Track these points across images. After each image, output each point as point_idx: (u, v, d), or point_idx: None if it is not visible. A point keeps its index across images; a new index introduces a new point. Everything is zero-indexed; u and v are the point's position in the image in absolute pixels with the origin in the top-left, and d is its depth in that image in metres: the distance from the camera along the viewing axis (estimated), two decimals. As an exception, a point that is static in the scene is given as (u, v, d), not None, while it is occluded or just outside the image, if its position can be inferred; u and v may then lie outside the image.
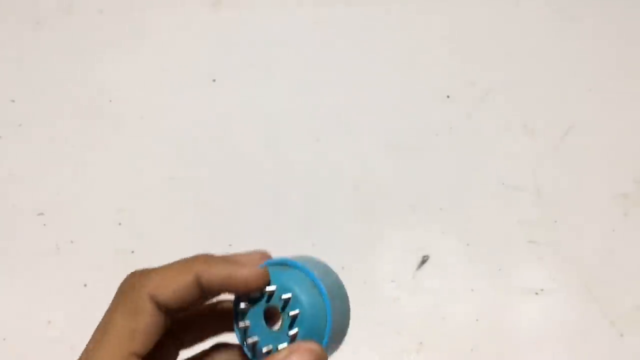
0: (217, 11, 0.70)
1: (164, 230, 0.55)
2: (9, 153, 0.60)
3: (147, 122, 0.62)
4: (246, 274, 0.29)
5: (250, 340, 0.29)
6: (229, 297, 0.31)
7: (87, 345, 0.28)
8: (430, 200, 0.55)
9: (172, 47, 0.68)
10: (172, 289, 0.28)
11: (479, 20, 0.70)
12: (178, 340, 0.32)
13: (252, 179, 0.57)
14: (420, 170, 0.57)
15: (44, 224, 0.55)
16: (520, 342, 0.47)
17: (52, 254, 0.53)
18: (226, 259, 0.30)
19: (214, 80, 0.65)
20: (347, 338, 0.48)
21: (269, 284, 0.30)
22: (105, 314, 0.29)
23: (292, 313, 0.29)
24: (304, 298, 0.29)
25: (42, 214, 0.55)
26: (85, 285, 0.53)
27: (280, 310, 0.30)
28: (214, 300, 0.31)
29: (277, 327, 0.30)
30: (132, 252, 0.54)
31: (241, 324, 0.30)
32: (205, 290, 0.29)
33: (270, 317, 0.30)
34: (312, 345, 0.28)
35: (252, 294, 0.30)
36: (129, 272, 0.30)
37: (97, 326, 0.29)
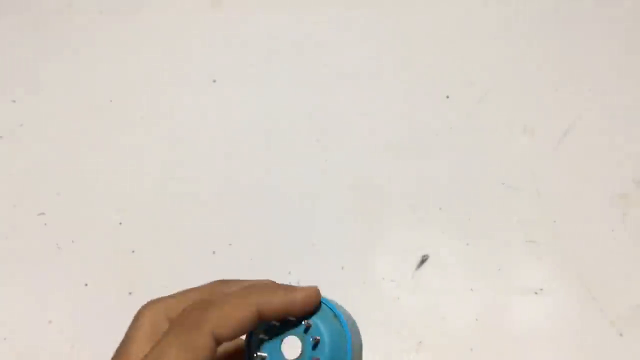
0: (217, 11, 0.70)
1: (164, 230, 0.55)
2: (9, 153, 0.60)
3: (147, 122, 0.62)
4: (304, 296, 0.29)
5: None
6: None
7: None
8: (430, 200, 0.55)
9: (172, 47, 0.68)
10: (234, 326, 0.27)
11: (479, 20, 0.70)
12: None
13: (252, 179, 0.57)
14: (420, 170, 0.57)
15: (44, 224, 0.55)
16: (519, 342, 0.47)
17: (52, 254, 0.53)
18: (283, 287, 0.30)
19: (214, 81, 0.65)
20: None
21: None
22: (157, 347, 0.28)
23: (315, 338, 0.29)
24: (325, 328, 0.30)
25: (42, 214, 0.56)
26: (85, 285, 0.53)
27: (301, 339, 0.30)
28: None
29: (295, 356, 0.30)
30: (133, 252, 0.54)
31: (258, 354, 0.29)
32: (263, 318, 0.28)
33: (287, 348, 0.30)
34: None
35: (269, 325, 0.30)
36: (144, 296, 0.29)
37: (131, 349, 0.28)
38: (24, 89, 0.65)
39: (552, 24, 0.69)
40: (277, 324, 0.30)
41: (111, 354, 0.27)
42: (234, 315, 0.27)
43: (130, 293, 0.52)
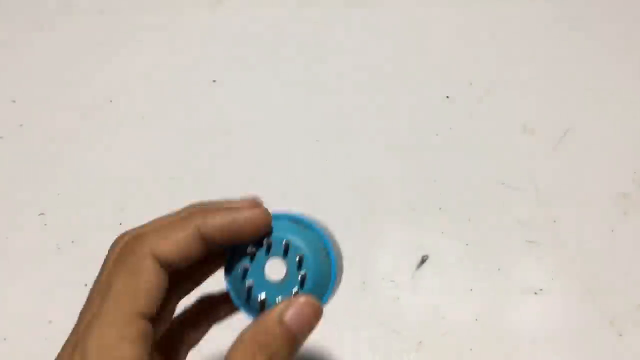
0: (217, 11, 0.71)
1: (164, 230, 0.55)
2: (9, 153, 0.60)
3: (147, 122, 0.62)
4: (249, 216, 0.28)
5: (247, 283, 0.29)
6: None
7: (82, 311, 0.27)
8: (429, 200, 0.55)
9: (172, 48, 0.68)
10: (173, 247, 0.27)
11: (478, 20, 0.70)
12: (175, 294, 0.31)
13: (252, 179, 0.57)
14: (420, 170, 0.57)
15: (44, 224, 0.55)
16: (519, 342, 0.47)
17: (52, 254, 0.53)
18: (223, 205, 0.29)
19: (214, 81, 0.65)
20: (346, 338, 0.48)
21: (270, 230, 0.29)
22: (100, 278, 0.27)
23: (297, 261, 0.28)
24: (310, 252, 0.29)
25: (42, 214, 0.56)
26: (85, 285, 0.52)
27: (283, 260, 0.29)
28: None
29: (278, 279, 0.29)
30: (132, 252, 0.54)
31: (238, 268, 0.29)
32: (208, 242, 0.28)
33: (271, 271, 0.29)
34: (312, 300, 0.28)
35: (251, 245, 0.29)
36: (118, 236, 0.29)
37: (92, 290, 0.27)
38: (24, 89, 0.65)
39: (551, 24, 0.69)
40: (254, 250, 0.29)
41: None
42: (172, 236, 0.27)
43: (130, 293, 0.52)
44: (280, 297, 0.28)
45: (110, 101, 0.63)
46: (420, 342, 0.48)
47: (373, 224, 0.54)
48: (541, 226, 0.53)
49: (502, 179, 0.57)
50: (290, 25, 0.69)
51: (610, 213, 0.54)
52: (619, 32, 0.68)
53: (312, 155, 0.59)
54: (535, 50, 0.67)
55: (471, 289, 0.50)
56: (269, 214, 0.29)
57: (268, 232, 0.29)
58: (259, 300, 0.28)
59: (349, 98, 0.63)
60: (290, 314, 0.27)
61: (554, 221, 0.54)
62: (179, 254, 0.27)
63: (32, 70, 0.66)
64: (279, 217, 0.30)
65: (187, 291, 0.32)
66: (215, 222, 0.28)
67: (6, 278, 0.52)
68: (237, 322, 0.29)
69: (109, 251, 0.28)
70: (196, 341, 0.34)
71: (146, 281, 0.26)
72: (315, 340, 0.48)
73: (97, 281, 0.27)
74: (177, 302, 0.32)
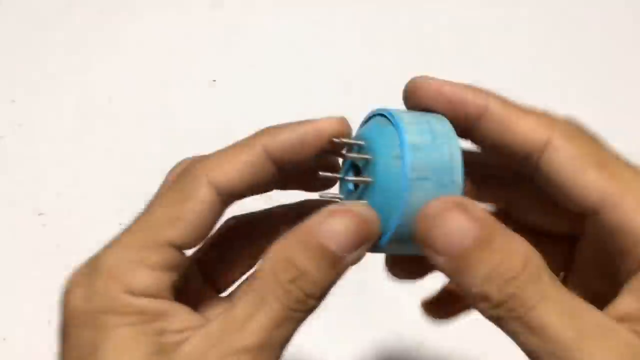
0: (217, 11, 0.71)
1: (164, 230, 0.55)
2: (9, 153, 0.60)
3: (146, 122, 0.62)
4: (323, 126, 0.24)
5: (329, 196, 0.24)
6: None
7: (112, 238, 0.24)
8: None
9: (172, 47, 0.68)
10: (236, 172, 0.23)
11: (478, 20, 0.70)
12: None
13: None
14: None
15: (44, 224, 0.55)
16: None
17: (52, 254, 0.53)
18: (294, 123, 0.25)
19: (214, 81, 0.65)
20: (345, 339, 0.48)
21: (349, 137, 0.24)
22: (150, 201, 0.25)
23: (361, 165, 0.24)
24: (381, 155, 0.23)
25: (42, 214, 0.55)
26: (85, 285, 0.53)
27: (355, 163, 0.24)
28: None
29: (351, 182, 0.24)
30: (132, 252, 0.54)
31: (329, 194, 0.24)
32: (277, 161, 0.24)
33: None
34: (360, 211, 0.22)
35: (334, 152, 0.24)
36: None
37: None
38: (24, 89, 0.65)
39: (551, 24, 0.69)
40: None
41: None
42: (235, 159, 0.24)
43: (130, 293, 0.52)
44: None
45: (110, 101, 0.63)
46: (421, 342, 0.48)
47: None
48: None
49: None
50: (291, 25, 0.69)
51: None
52: (619, 32, 0.68)
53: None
54: (535, 50, 0.67)
55: (471, 289, 0.50)
56: (346, 122, 0.25)
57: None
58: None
59: (349, 97, 0.63)
60: (327, 227, 0.21)
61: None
62: (242, 180, 0.23)
63: (32, 70, 0.66)
64: (372, 116, 0.25)
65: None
66: (285, 138, 0.24)
67: (6, 278, 0.52)
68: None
69: (167, 175, 0.26)
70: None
71: (191, 210, 0.23)
72: (314, 340, 0.48)
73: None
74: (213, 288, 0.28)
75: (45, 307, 0.52)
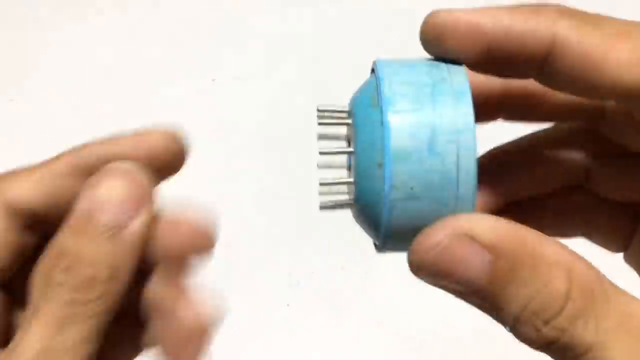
0: (216, 10, 0.70)
1: (164, 230, 0.55)
2: (9, 153, 0.60)
3: (146, 121, 0.62)
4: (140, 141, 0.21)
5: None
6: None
7: None
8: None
9: (171, 46, 0.68)
10: (34, 185, 0.19)
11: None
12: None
13: (252, 179, 0.57)
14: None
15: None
16: (520, 342, 0.47)
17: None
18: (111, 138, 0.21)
19: (213, 80, 0.65)
20: (345, 339, 0.48)
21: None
22: None
23: (346, 135, 0.19)
24: (359, 170, 0.18)
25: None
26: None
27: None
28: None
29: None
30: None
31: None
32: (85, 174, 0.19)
33: None
34: (134, 171, 0.19)
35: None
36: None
37: None
38: (23, 89, 0.64)
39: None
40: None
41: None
42: (34, 174, 0.20)
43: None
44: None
45: (109, 100, 0.63)
46: (421, 342, 0.48)
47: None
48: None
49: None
50: (291, 24, 0.69)
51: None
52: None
53: (313, 154, 0.59)
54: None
55: (472, 289, 0.50)
56: (174, 140, 0.21)
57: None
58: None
59: (349, 97, 0.63)
60: (92, 197, 0.18)
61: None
62: (45, 193, 0.19)
63: (32, 70, 0.66)
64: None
65: None
66: (94, 150, 0.21)
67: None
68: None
69: None
70: None
71: None
72: (314, 341, 0.48)
73: None
74: None
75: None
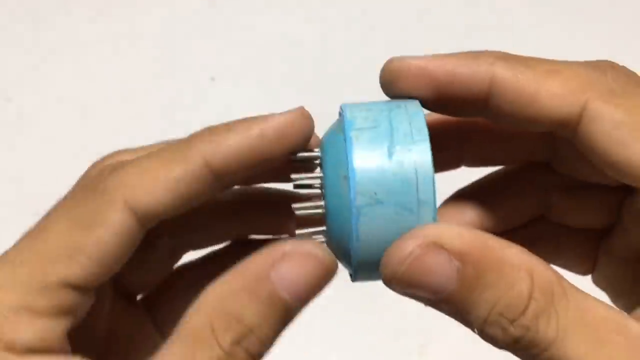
0: (216, 8, 0.70)
1: (163, 230, 0.55)
2: (9, 153, 0.60)
3: (146, 120, 0.62)
4: (280, 122, 0.20)
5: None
6: None
7: None
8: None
9: (170, 46, 0.68)
10: (164, 187, 0.18)
11: (478, 20, 0.70)
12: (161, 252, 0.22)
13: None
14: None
15: (43, 225, 0.55)
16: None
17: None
18: (243, 122, 0.20)
19: (212, 79, 0.65)
20: (346, 339, 0.48)
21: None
22: (44, 218, 0.19)
23: (319, 187, 0.19)
24: (331, 174, 0.19)
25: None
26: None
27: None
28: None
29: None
30: (131, 252, 0.54)
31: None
32: (221, 175, 0.18)
33: None
34: (320, 252, 0.18)
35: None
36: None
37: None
38: (22, 89, 0.64)
39: (551, 24, 0.69)
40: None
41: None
42: (163, 176, 0.18)
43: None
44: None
45: (109, 100, 0.63)
46: (422, 344, 0.48)
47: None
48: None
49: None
50: (290, 23, 0.69)
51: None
52: (619, 32, 0.67)
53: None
54: (535, 50, 0.66)
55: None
56: (307, 117, 0.21)
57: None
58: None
59: (349, 97, 0.63)
60: (280, 273, 0.17)
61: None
62: (172, 201, 0.18)
63: (31, 70, 0.66)
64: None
65: (191, 246, 0.23)
66: (231, 144, 0.19)
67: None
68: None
69: (79, 179, 0.21)
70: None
71: (98, 241, 0.18)
72: (314, 341, 0.48)
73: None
74: (167, 264, 0.23)
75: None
